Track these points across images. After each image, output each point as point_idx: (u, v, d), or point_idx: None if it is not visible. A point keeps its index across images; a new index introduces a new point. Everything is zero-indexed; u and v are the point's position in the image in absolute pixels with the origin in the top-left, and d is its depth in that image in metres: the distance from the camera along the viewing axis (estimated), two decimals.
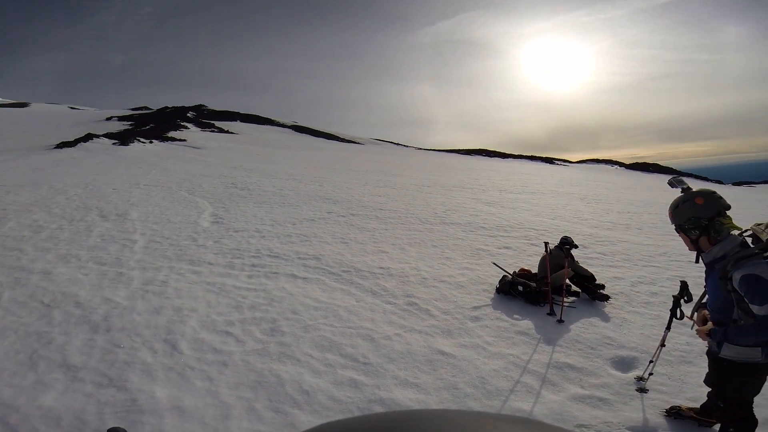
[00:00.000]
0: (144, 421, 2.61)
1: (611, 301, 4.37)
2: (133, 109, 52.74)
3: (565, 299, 4.16)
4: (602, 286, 4.63)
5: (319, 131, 45.70)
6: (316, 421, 2.64)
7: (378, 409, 2.77)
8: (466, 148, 39.51)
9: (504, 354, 3.40)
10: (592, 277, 4.64)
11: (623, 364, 3.31)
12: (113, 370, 3.09)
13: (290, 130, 44.73)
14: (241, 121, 45.23)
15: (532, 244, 6.42)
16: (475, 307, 4.20)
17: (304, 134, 42.85)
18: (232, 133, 34.11)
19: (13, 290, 4.40)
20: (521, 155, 35.45)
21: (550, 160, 33.09)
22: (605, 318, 4.04)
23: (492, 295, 4.50)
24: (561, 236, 5.11)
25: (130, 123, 36.21)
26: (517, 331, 3.76)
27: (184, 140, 24.26)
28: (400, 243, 6.40)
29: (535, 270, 4.86)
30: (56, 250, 5.65)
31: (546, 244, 4.74)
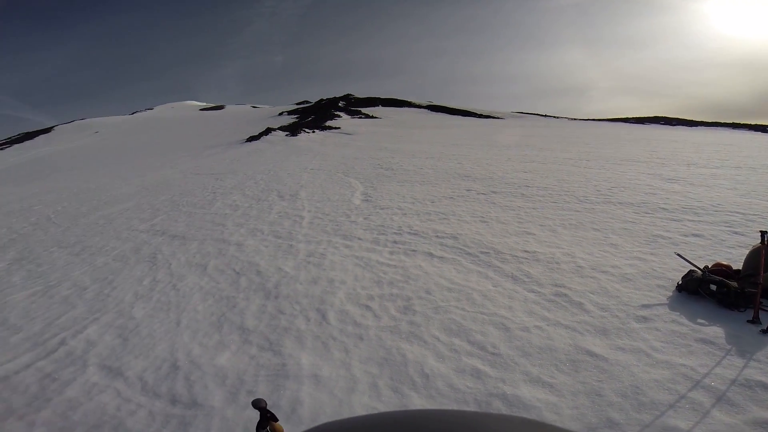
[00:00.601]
0: (286, 386, 2.90)
1: None
2: (297, 104, 61.53)
3: None
4: None
5: (455, 109, 44.85)
6: (429, 406, 2.60)
7: (497, 404, 2.58)
8: (637, 116, 32.92)
9: (673, 363, 2.76)
10: None
11: None
12: (274, 335, 3.58)
13: (426, 110, 45.16)
14: (382, 106, 47.91)
15: (736, 233, 4.95)
16: (645, 306, 3.50)
17: (439, 113, 42.72)
18: (375, 117, 36.48)
19: (216, 259, 5.59)
20: (718, 123, 27.67)
21: (763, 128, 24.97)
22: None
23: (670, 293, 3.66)
24: None
25: (296, 116, 42.42)
26: (698, 339, 2.99)
27: (339, 128, 27.13)
28: (551, 224, 5.78)
29: (737, 266, 3.75)
30: (247, 225, 7.07)
31: (763, 233, 3.55)
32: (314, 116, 37.34)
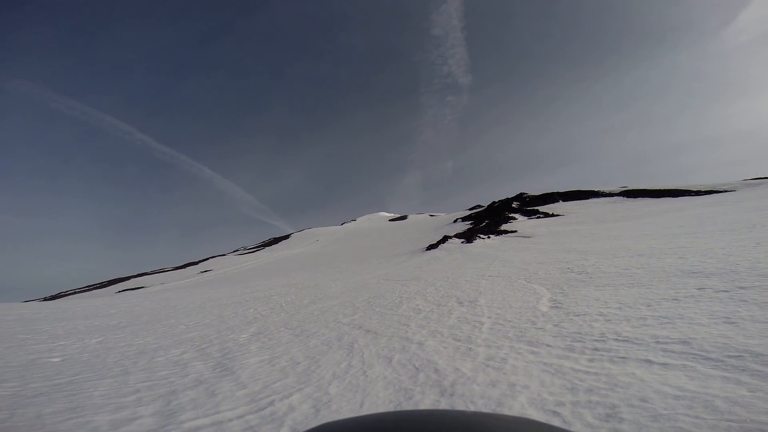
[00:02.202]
0: None
1: None
2: (469, 209, 64.06)
3: None
4: None
5: (659, 190, 37.85)
6: None
7: None
8: None
9: None
10: None
11: None
12: None
13: (620, 197, 39.65)
14: (562, 200, 44.77)
15: None
16: None
17: (639, 198, 36.69)
18: (556, 215, 34.14)
19: (400, 354, 5.84)
20: None
21: None
22: None
23: None
24: None
25: (470, 222, 43.89)
26: None
27: (515, 231, 26.47)
28: None
29: None
30: (428, 327, 7.22)
31: None
32: (488, 221, 37.80)
